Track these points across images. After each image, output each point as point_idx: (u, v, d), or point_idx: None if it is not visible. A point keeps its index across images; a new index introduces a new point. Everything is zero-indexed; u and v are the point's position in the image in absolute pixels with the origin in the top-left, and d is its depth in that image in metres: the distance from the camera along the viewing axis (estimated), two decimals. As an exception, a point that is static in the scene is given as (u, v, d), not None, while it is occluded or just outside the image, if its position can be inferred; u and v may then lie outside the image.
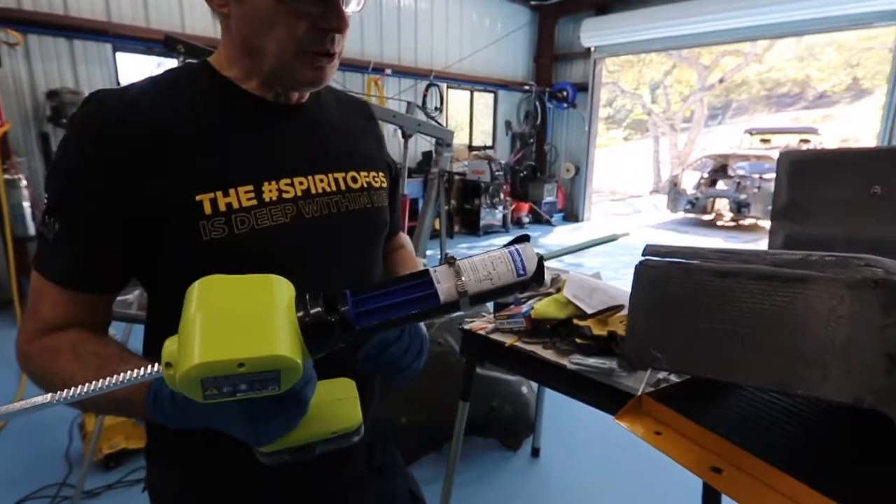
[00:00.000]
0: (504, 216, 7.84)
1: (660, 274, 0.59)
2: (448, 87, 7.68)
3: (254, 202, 0.63)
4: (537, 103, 8.65)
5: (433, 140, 3.21)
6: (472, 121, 8.48)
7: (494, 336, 1.61)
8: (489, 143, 8.76)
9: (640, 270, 0.61)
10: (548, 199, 8.65)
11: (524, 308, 1.63)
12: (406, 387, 2.27)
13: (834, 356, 0.49)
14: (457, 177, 7.33)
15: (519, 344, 1.54)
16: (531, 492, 2.16)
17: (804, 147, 10.11)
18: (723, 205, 9.23)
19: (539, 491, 2.17)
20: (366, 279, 0.78)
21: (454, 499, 1.98)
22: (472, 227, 7.61)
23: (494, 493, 2.15)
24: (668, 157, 17.03)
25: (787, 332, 0.52)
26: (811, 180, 1.00)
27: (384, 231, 0.82)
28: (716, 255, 0.58)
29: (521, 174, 8.53)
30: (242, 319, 0.42)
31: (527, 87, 8.64)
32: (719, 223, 9.45)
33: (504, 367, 1.68)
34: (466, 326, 1.71)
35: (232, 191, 0.62)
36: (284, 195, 0.66)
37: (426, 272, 0.50)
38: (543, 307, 1.57)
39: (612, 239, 0.54)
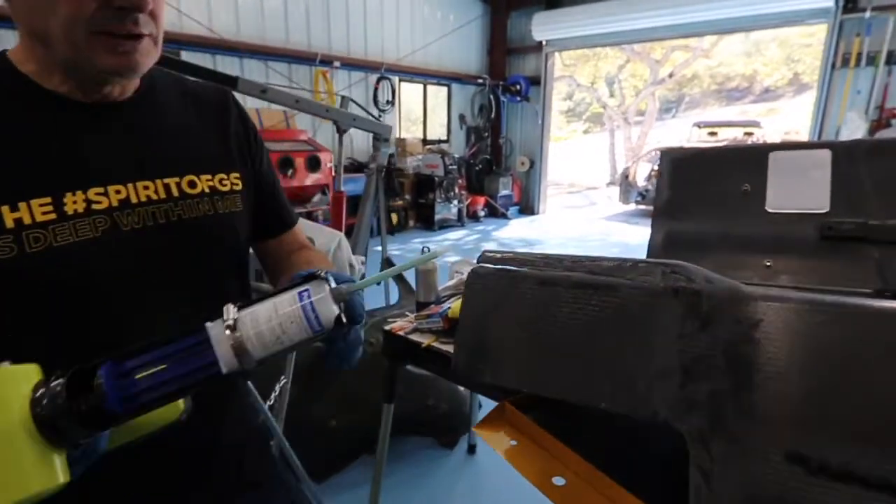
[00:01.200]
0: (459, 210, 7.83)
1: (489, 282, 0.57)
2: (400, 81, 7.59)
3: (52, 216, 0.56)
4: (491, 97, 8.66)
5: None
6: (425, 115, 8.42)
7: (413, 336, 1.57)
8: (444, 137, 8.72)
9: (470, 278, 0.59)
10: (503, 192, 8.70)
11: (443, 307, 1.61)
12: (334, 389, 2.22)
13: (635, 368, 0.47)
14: (398, 172, 7.24)
15: (436, 344, 1.51)
16: (466, 490, 2.16)
17: (748, 140, 10.54)
18: (672, 196, 9.50)
19: (473, 488, 2.17)
20: (211, 298, 0.72)
21: (388, 501, 1.95)
22: (427, 221, 7.57)
23: (429, 493, 2.13)
24: (623, 149, 17.45)
25: (597, 342, 0.50)
26: (691, 178, 1.01)
27: (237, 240, 0.75)
28: (543, 261, 0.56)
29: (477, 168, 8.54)
30: None
31: (480, 81, 8.64)
32: (669, 214, 9.73)
33: (423, 367, 1.65)
34: (387, 327, 1.67)
35: (23, 204, 0.55)
36: (94, 206, 0.59)
37: (204, 331, 0.45)
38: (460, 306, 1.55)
39: (433, 256, 0.50)
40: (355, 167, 6.47)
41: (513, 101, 8.94)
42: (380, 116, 6.93)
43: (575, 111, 25.92)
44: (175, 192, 0.66)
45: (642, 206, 9.82)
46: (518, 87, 8.72)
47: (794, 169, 0.91)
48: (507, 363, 0.54)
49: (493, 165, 8.87)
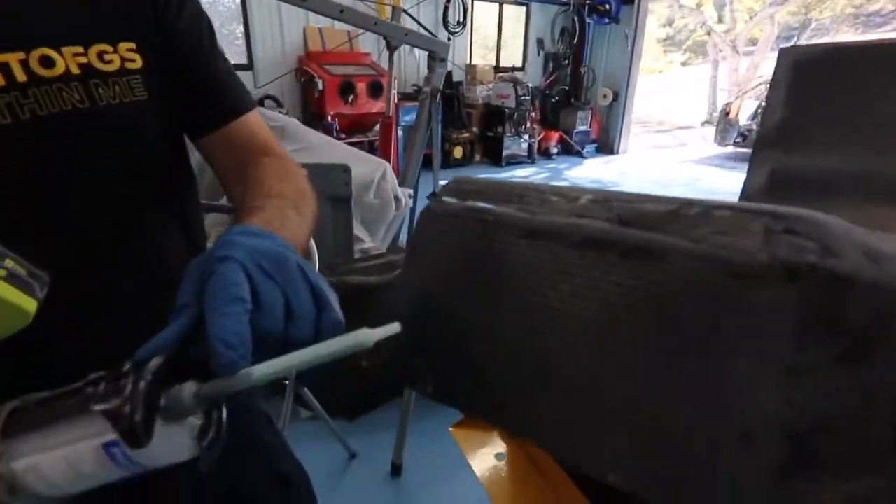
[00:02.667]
0: (530, 146, 7.34)
1: (448, 227, 0.35)
2: (473, 0, 6.96)
3: None
4: (575, 18, 7.79)
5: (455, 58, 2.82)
6: (500, 38, 7.77)
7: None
8: (519, 65, 8.07)
9: (423, 217, 0.36)
10: (580, 128, 8.02)
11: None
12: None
13: (688, 419, 0.24)
14: (466, 102, 6.77)
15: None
16: (499, 442, 2.04)
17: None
18: (778, 138, 8.33)
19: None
20: (107, 228, 0.54)
21: (417, 447, 1.90)
22: (494, 156, 7.19)
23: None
24: (728, 83, 15.43)
25: (617, 355, 0.27)
26: (818, 90, 0.68)
27: (141, 142, 0.54)
28: (539, 198, 0.33)
29: (553, 100, 7.88)
30: None
31: (564, 0, 7.76)
32: (772, 159, 8.58)
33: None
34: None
35: None
36: None
37: None
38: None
39: (361, 345, 0.30)
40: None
41: (600, 24, 8.00)
42: (450, 39, 6.45)
43: (674, 39, 23.16)
44: (19, 76, 0.44)
45: (742, 149, 8.73)
46: (607, 6, 7.74)
47: None
48: (461, 368, 0.33)
49: (571, 97, 8.14)
